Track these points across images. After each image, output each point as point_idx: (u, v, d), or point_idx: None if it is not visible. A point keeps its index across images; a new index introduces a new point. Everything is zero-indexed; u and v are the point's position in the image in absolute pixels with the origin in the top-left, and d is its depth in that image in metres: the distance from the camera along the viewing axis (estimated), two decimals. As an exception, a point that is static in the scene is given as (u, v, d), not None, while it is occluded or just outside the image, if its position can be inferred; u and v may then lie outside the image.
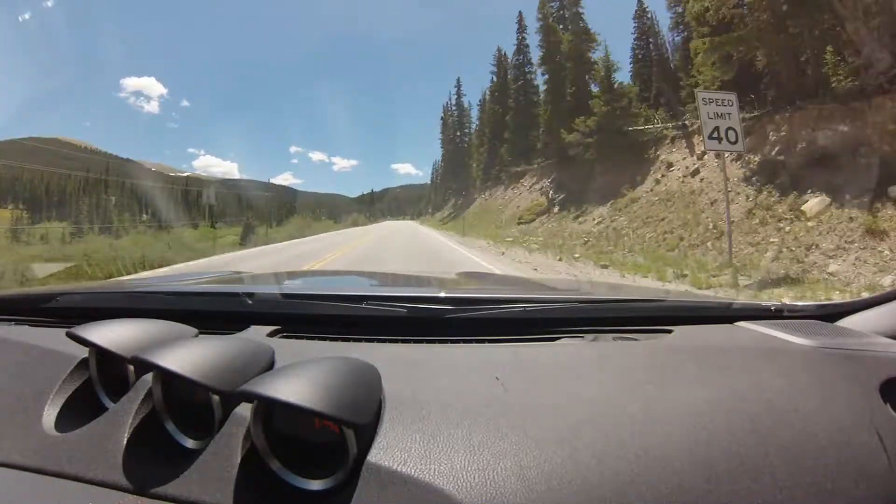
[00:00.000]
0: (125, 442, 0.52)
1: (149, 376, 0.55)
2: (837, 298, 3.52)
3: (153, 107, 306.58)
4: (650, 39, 22.88)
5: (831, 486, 0.47)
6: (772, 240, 7.87)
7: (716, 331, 0.82)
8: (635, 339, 0.78)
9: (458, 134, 54.43)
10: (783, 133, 9.90)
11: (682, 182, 12.48)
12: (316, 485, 0.46)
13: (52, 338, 0.75)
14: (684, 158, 13.48)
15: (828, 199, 7.64)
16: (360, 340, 0.76)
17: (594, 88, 19.23)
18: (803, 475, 0.47)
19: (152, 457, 0.51)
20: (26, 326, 0.91)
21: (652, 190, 13.65)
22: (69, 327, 0.63)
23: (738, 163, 10.22)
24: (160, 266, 10.17)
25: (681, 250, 9.52)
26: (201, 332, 0.71)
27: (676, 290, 4.83)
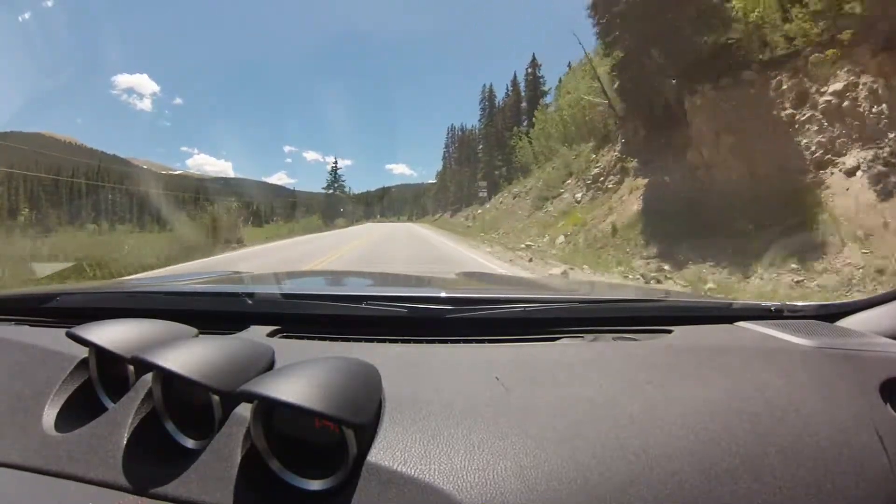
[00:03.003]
0: (125, 442, 0.52)
1: (149, 376, 0.55)
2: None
3: (146, 104, 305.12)
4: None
5: (831, 486, 0.47)
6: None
7: (716, 331, 0.82)
8: (635, 339, 0.78)
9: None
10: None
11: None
12: (316, 485, 0.46)
13: (52, 338, 0.75)
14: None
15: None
16: (360, 340, 0.76)
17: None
18: (803, 475, 0.47)
19: (152, 457, 0.51)
20: (26, 326, 0.91)
21: None
22: (69, 327, 0.63)
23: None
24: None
25: None
26: (201, 332, 0.71)
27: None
